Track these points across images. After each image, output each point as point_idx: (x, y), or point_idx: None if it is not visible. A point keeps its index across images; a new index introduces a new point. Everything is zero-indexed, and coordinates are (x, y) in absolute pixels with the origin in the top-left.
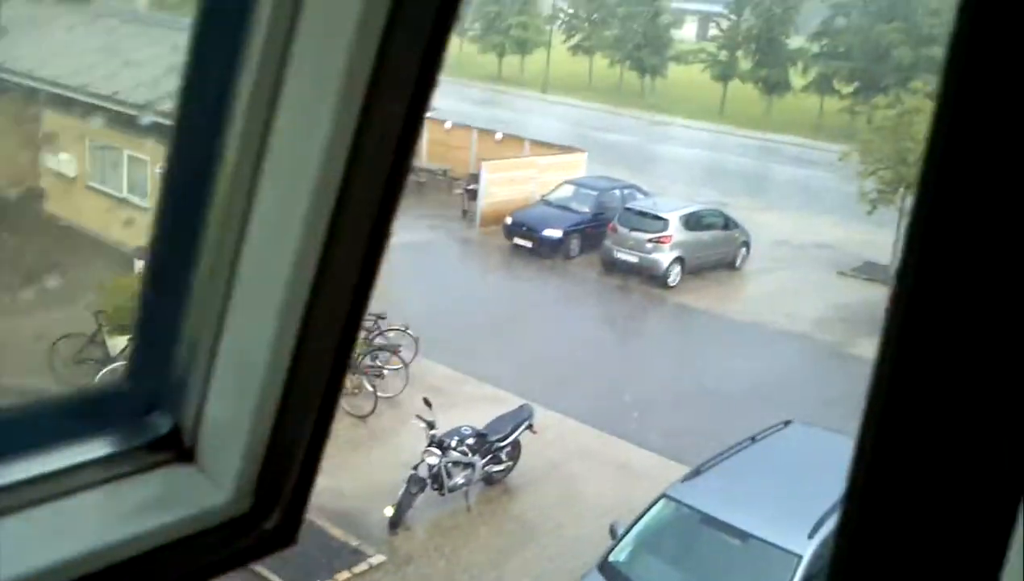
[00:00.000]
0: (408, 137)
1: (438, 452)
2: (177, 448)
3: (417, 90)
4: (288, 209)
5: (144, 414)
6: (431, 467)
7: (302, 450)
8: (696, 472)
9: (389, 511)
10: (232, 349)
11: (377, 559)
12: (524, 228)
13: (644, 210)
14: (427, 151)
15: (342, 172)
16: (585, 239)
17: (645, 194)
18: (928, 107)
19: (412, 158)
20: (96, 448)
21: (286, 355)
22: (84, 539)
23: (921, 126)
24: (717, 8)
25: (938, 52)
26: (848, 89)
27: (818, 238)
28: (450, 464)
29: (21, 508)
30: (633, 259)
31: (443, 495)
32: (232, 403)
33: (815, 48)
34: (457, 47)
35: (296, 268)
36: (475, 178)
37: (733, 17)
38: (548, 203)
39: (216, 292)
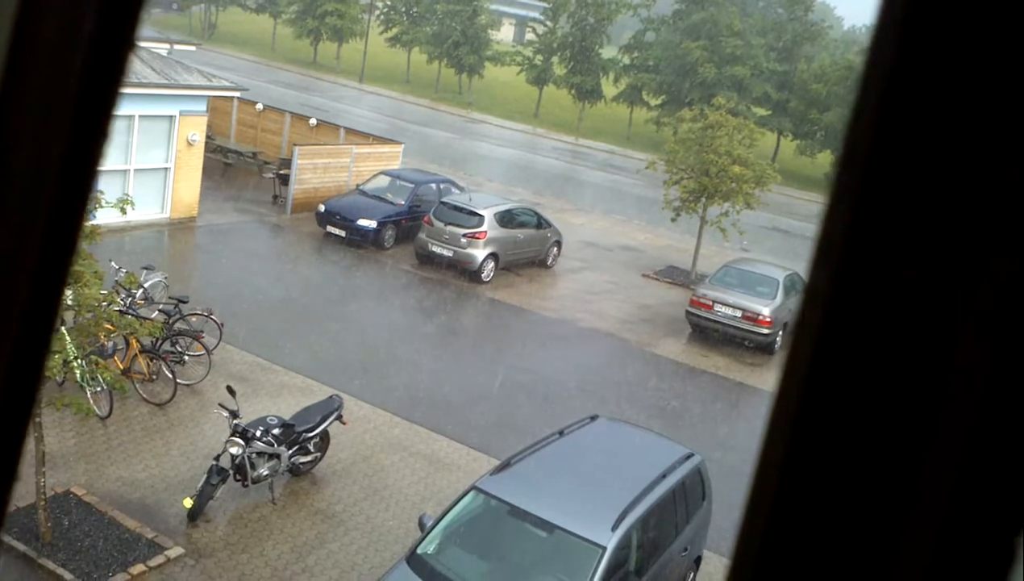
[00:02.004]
0: (106, 68)
1: (241, 442)
2: None
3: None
4: None
5: None
6: (234, 457)
7: None
8: (505, 465)
9: (188, 502)
10: None
11: (175, 552)
12: (338, 216)
13: (460, 205)
14: (236, 132)
15: None
16: (400, 231)
17: (461, 189)
18: (729, 122)
19: (114, 100)
20: None
21: None
22: None
23: (722, 140)
24: (533, 14)
25: (739, 71)
26: (656, 101)
27: (624, 241)
28: (254, 455)
29: None
30: (448, 253)
31: (246, 486)
32: None
33: (626, 60)
34: (271, 28)
35: None
36: (287, 163)
37: (548, 24)
38: (363, 193)
39: None
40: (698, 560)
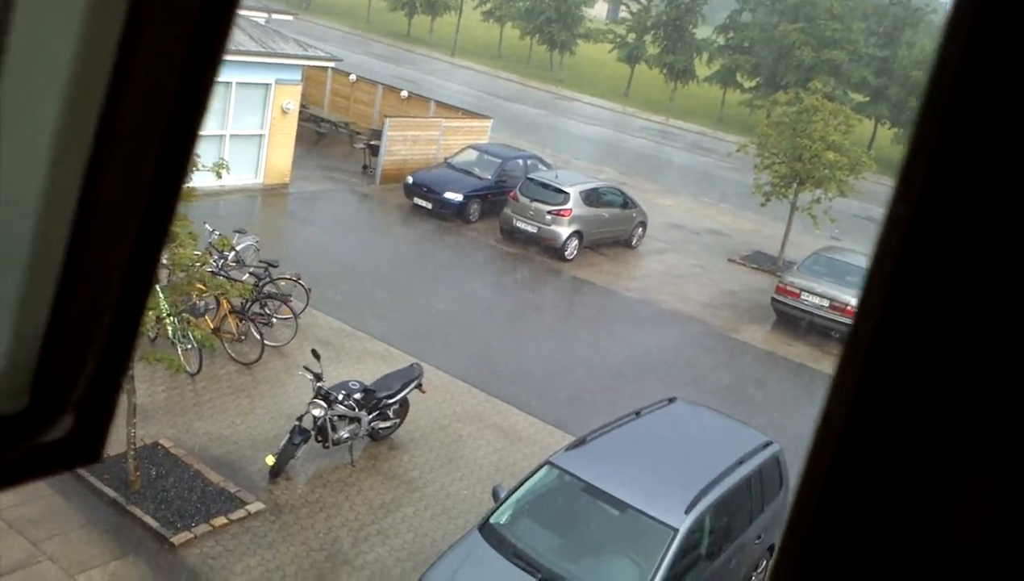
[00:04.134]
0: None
1: (324, 404)
2: None
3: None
4: None
5: None
6: (316, 419)
7: (99, 340)
8: (581, 441)
9: (270, 460)
10: None
11: (255, 507)
12: (425, 189)
13: (546, 182)
14: (329, 102)
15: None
16: (486, 205)
17: (548, 166)
18: (825, 107)
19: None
20: None
21: (64, 210)
22: None
23: (818, 125)
24: None
25: (837, 55)
26: (750, 83)
27: (711, 224)
28: (336, 417)
29: None
30: (532, 229)
31: (327, 448)
32: None
33: (721, 40)
34: (366, 0)
35: (73, 93)
36: (377, 134)
37: (643, 2)
38: (451, 166)
39: None
40: (771, 548)
